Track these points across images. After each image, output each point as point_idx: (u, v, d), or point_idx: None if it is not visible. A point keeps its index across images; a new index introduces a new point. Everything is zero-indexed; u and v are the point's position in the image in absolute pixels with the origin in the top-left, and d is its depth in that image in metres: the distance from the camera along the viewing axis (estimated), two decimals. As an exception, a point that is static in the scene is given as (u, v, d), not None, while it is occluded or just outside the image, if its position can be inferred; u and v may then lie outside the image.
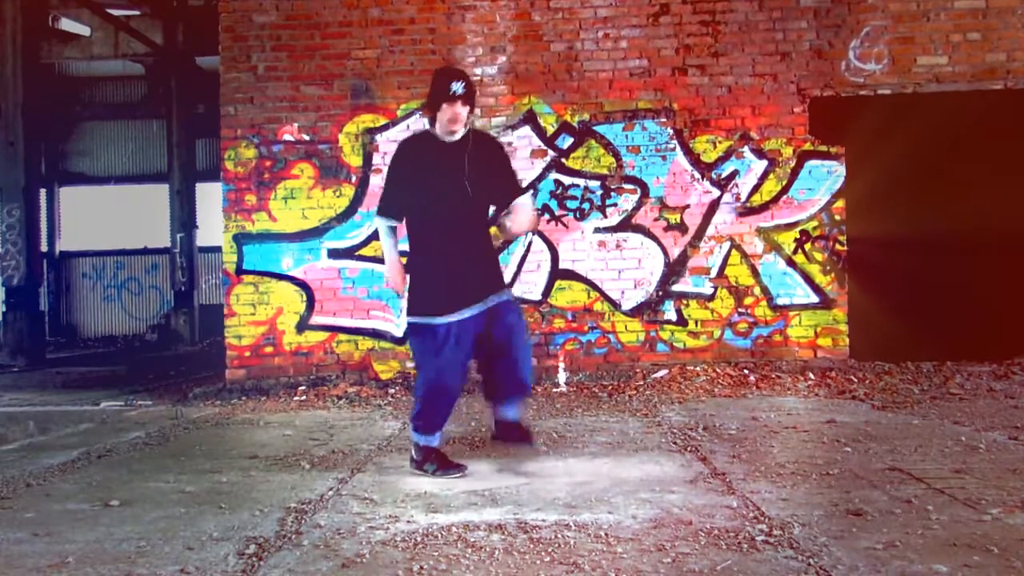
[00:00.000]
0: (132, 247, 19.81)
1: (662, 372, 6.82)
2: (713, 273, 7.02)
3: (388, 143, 7.08)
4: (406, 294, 3.84)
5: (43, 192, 17.42)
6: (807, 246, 7.00)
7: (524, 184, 4.03)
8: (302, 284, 7.10)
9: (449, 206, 3.72)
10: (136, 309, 19.79)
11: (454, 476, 3.69)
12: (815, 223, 7.00)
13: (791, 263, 7.00)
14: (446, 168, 3.72)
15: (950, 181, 6.89)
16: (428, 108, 3.77)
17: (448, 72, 3.79)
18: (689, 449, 4.21)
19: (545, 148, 7.03)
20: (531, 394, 4.03)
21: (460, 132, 3.76)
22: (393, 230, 3.89)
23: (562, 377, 6.82)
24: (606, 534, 2.78)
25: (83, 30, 15.74)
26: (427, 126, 3.93)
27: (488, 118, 7.04)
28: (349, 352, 7.07)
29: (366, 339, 7.08)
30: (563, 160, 7.04)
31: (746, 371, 6.76)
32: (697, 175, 7.03)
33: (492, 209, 4.02)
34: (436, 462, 3.75)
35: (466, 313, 3.67)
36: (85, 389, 8.76)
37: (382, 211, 3.89)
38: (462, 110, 3.66)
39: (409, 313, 3.80)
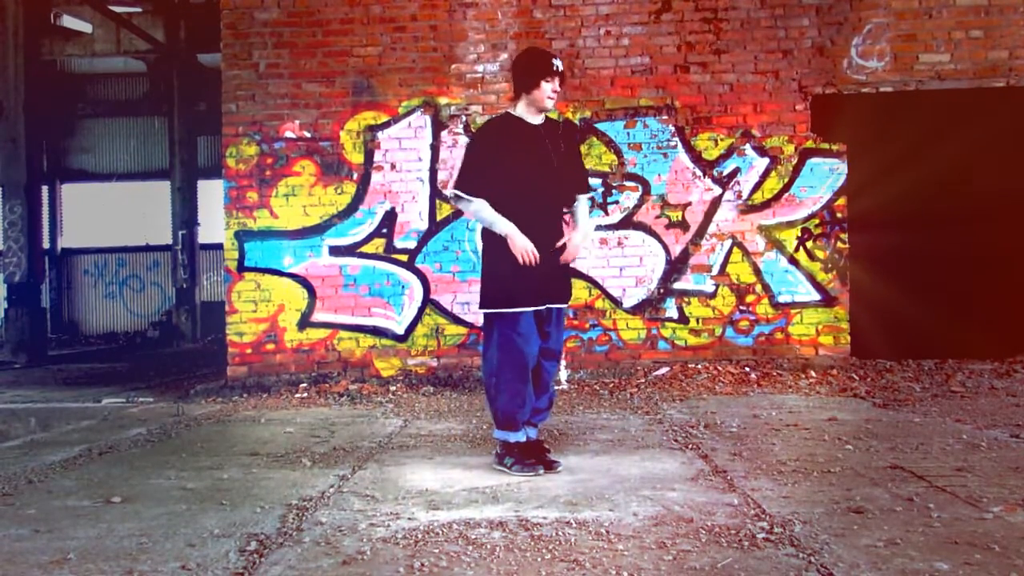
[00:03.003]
0: (134, 244, 19.82)
1: (663, 370, 6.82)
2: (715, 271, 7.02)
3: (389, 140, 7.09)
4: (532, 259, 3.64)
5: (45, 189, 17.47)
6: (809, 244, 6.99)
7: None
8: (303, 281, 7.10)
9: (539, 193, 3.75)
10: (138, 306, 19.80)
11: (529, 474, 3.64)
12: (817, 221, 6.99)
13: (793, 261, 6.99)
14: (537, 152, 3.75)
15: (952, 179, 6.87)
16: (522, 86, 3.76)
17: (541, 50, 3.89)
18: (690, 447, 4.21)
19: (546, 145, 7.02)
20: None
21: (543, 115, 3.82)
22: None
23: (563, 375, 6.82)
24: (607, 531, 2.78)
25: (85, 27, 15.72)
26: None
27: (490, 115, 7.02)
28: (350, 349, 7.08)
29: (367, 336, 7.08)
30: (564, 157, 7.03)
31: (747, 369, 6.75)
32: (699, 172, 7.03)
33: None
34: (514, 456, 3.73)
35: (544, 307, 3.75)
36: (87, 386, 8.78)
37: (471, 189, 3.70)
38: (559, 87, 3.74)
39: (492, 304, 3.74)
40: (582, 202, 3.97)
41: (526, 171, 3.73)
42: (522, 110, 3.80)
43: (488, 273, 3.81)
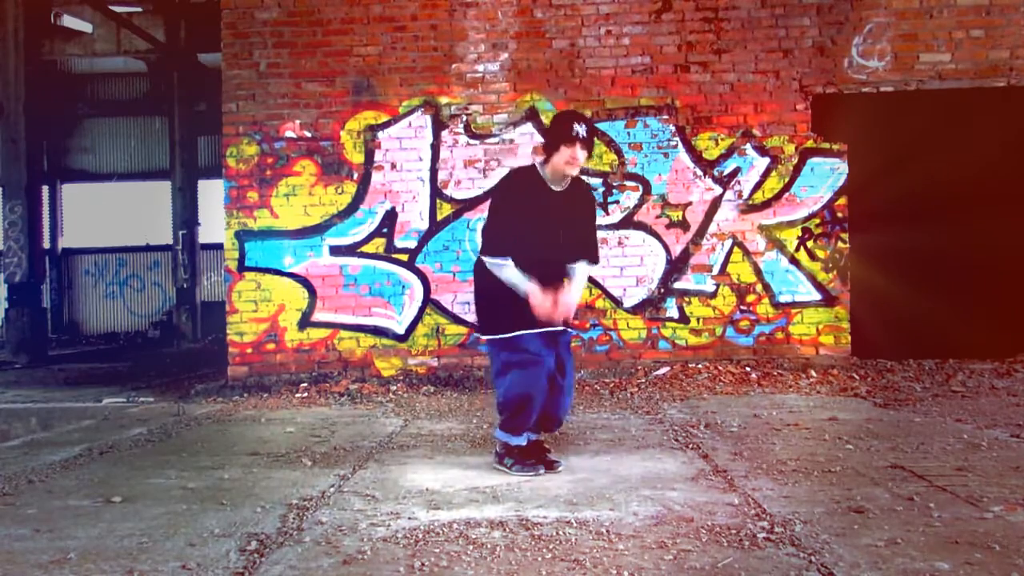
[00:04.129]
0: (134, 244, 19.83)
1: (664, 369, 6.82)
2: (715, 270, 7.02)
3: (390, 140, 7.09)
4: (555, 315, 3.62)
5: (45, 189, 17.48)
6: (809, 243, 6.99)
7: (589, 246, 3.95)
8: (304, 281, 7.10)
9: (544, 252, 3.71)
10: (138, 306, 19.81)
11: (529, 474, 3.65)
12: (817, 220, 6.99)
13: (793, 260, 6.99)
14: (549, 218, 3.70)
15: (952, 179, 6.87)
16: (545, 147, 3.73)
17: (571, 114, 3.76)
18: (691, 446, 4.21)
19: (547, 145, 7.02)
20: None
21: (567, 179, 3.72)
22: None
23: (564, 374, 6.81)
24: (607, 531, 2.78)
25: (85, 27, 15.73)
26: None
27: (490, 115, 7.03)
28: (351, 349, 7.07)
29: (368, 336, 7.08)
30: (565, 157, 7.03)
31: (748, 368, 6.75)
32: (699, 172, 7.02)
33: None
34: (535, 456, 3.76)
35: (550, 328, 3.66)
36: (87, 386, 8.78)
37: (498, 251, 3.67)
38: (580, 154, 3.61)
39: (500, 331, 3.70)
40: (581, 265, 3.84)
41: (533, 236, 3.67)
42: (547, 169, 3.72)
43: (486, 299, 3.80)
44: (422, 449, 4.36)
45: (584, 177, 6.96)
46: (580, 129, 3.58)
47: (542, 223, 3.71)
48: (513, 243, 3.67)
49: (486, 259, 3.72)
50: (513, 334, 3.67)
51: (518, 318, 3.66)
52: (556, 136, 3.64)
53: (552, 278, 3.75)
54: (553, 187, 3.73)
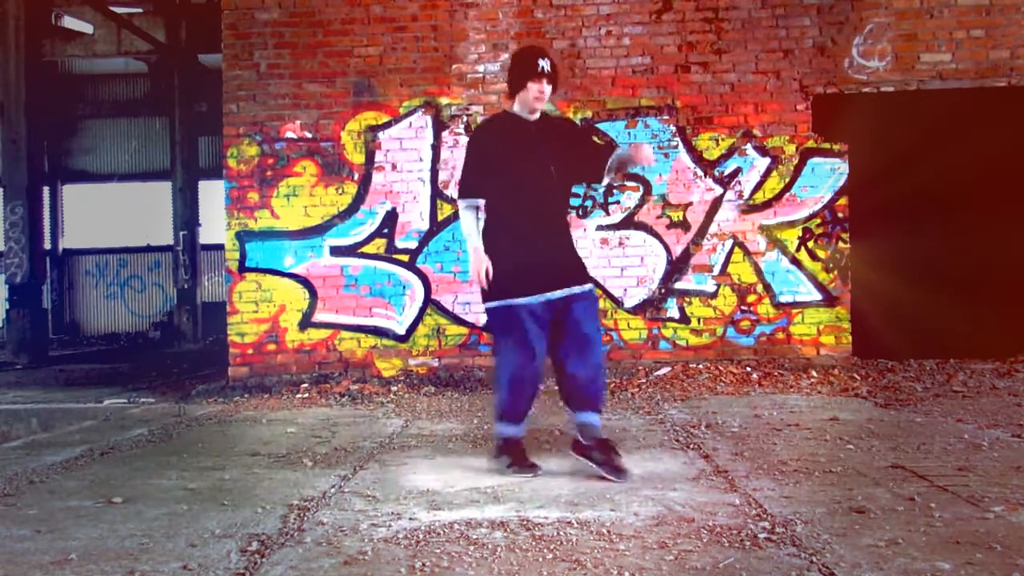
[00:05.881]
0: (135, 245, 19.84)
1: (664, 369, 6.82)
2: (716, 271, 7.02)
3: (390, 140, 7.09)
4: (483, 282, 3.65)
5: (46, 190, 17.50)
6: (810, 243, 6.99)
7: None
8: (304, 281, 7.10)
9: (534, 189, 3.69)
10: (139, 307, 19.82)
11: (527, 475, 3.59)
12: (818, 220, 6.99)
13: (794, 261, 6.99)
14: (531, 149, 3.70)
15: (953, 179, 6.87)
16: (511, 87, 3.75)
17: (532, 50, 3.80)
18: (691, 446, 4.21)
19: (547, 145, 7.02)
20: (601, 405, 3.72)
21: (538, 112, 3.77)
22: (477, 213, 3.75)
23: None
24: (608, 531, 2.77)
25: (86, 28, 15.75)
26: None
27: (491, 115, 7.02)
28: (352, 350, 7.08)
29: (368, 336, 7.08)
30: (565, 157, 7.02)
31: (749, 369, 6.75)
32: (700, 172, 7.02)
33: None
34: (512, 456, 3.68)
35: (544, 297, 3.60)
36: (88, 386, 8.78)
37: (466, 192, 3.76)
38: (547, 88, 3.67)
39: (488, 299, 3.71)
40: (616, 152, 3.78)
41: (517, 168, 3.70)
42: (518, 108, 3.78)
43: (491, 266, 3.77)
44: (423, 449, 4.36)
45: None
46: (544, 64, 3.63)
47: (522, 157, 3.69)
48: (484, 183, 3.73)
49: (459, 203, 3.80)
50: (498, 303, 3.65)
51: (508, 284, 3.62)
52: (521, 74, 3.68)
53: (548, 219, 3.71)
54: (527, 118, 3.76)
